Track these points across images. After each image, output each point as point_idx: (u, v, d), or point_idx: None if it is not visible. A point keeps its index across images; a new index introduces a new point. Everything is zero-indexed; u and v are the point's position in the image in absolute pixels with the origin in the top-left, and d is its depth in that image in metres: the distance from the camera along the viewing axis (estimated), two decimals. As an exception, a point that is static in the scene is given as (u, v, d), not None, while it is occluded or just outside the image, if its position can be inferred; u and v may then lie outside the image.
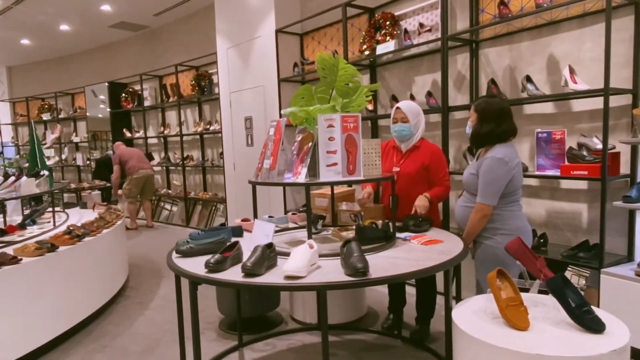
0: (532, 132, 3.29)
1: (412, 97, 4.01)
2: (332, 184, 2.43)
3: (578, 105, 3.10)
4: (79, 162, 9.47)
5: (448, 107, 3.54)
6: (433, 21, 3.89)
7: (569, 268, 2.88)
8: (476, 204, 2.24)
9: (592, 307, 1.63)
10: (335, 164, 2.10)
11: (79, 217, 4.39)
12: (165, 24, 7.77)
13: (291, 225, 2.79)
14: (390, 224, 2.30)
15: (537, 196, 3.33)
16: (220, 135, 6.48)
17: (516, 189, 2.29)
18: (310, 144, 2.25)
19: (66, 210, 4.93)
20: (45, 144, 9.62)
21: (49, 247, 3.01)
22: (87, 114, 9.01)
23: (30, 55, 9.79)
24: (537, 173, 2.99)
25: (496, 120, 2.27)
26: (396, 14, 4.15)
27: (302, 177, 2.16)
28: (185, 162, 7.32)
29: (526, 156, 3.36)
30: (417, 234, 2.42)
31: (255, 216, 2.41)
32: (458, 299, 3.43)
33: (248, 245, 2.15)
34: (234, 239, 2.36)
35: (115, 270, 4.02)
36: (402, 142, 2.75)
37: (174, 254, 2.23)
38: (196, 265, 2.01)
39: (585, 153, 2.81)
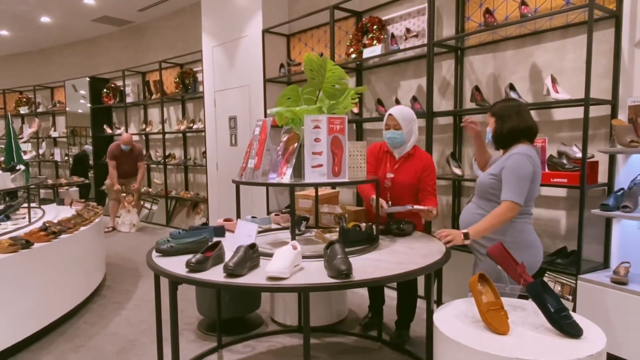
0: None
1: (397, 102, 4.04)
2: (317, 185, 2.42)
3: (559, 114, 3.16)
4: (57, 157, 9.27)
5: (432, 113, 3.57)
6: (420, 27, 3.93)
7: (546, 274, 2.93)
8: (502, 202, 2.09)
9: (570, 312, 1.66)
10: (321, 165, 2.09)
11: (55, 213, 4.28)
12: (150, 20, 7.67)
13: (274, 226, 2.77)
14: (373, 226, 2.30)
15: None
16: (203, 134, 6.42)
17: (532, 196, 2.20)
18: (295, 144, 2.24)
19: (42, 206, 4.80)
20: (22, 138, 9.38)
21: (23, 243, 2.93)
22: (67, 108, 8.82)
23: (9, 46, 9.54)
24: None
25: (516, 117, 2.22)
26: (383, 18, 4.17)
27: (286, 177, 2.14)
28: (167, 160, 7.23)
29: None
30: (401, 236, 2.42)
31: (238, 216, 2.39)
32: (439, 302, 3.46)
33: (230, 245, 2.12)
34: (216, 239, 2.32)
35: (91, 269, 3.94)
36: (394, 149, 2.70)
37: (154, 253, 2.19)
38: (176, 265, 1.97)
39: (565, 161, 2.86)
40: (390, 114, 2.61)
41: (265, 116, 4.74)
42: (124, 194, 6.66)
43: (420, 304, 3.65)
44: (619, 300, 2.50)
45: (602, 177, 2.91)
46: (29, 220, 3.85)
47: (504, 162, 2.20)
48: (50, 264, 3.15)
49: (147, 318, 3.48)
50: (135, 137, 8.15)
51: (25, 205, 4.08)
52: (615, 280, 2.55)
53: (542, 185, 2.85)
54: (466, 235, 2.11)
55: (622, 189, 2.70)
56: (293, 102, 2.37)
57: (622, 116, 2.75)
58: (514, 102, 2.29)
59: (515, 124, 2.21)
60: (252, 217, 2.74)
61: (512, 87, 3.22)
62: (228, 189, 5.58)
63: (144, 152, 7.89)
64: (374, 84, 4.38)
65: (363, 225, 2.30)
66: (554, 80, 2.98)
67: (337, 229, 2.35)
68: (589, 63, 2.61)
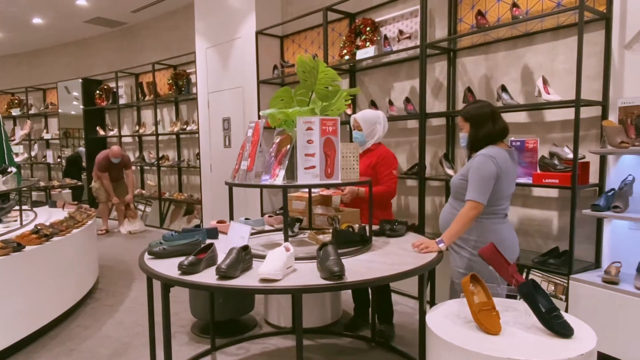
0: (506, 140, 3.35)
1: (390, 103, 4.05)
2: (309, 187, 2.42)
3: (550, 115, 3.18)
4: (50, 159, 9.20)
5: (425, 114, 3.59)
6: (412, 29, 3.95)
7: (536, 273, 2.94)
8: (466, 201, 2.17)
9: (562, 312, 1.67)
10: (314, 166, 2.09)
11: (47, 216, 4.25)
12: (143, 21, 7.64)
13: (267, 227, 2.77)
14: (366, 227, 2.30)
15: (510, 203, 3.40)
16: (197, 135, 6.40)
17: (500, 196, 2.22)
18: (288, 146, 2.23)
19: (34, 208, 4.77)
20: (13, 140, 9.31)
21: (14, 246, 2.91)
22: (59, 110, 8.77)
23: (0, 48, 9.47)
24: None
25: (490, 121, 2.26)
26: (376, 20, 4.18)
27: (279, 179, 2.13)
28: (160, 162, 7.20)
29: None
30: (394, 237, 2.43)
31: (231, 218, 2.38)
32: (432, 303, 3.47)
33: (223, 247, 2.11)
34: (208, 241, 2.31)
35: (84, 272, 3.91)
36: (360, 147, 2.89)
37: (146, 256, 2.18)
38: (169, 267, 1.97)
39: (556, 162, 2.88)
40: (354, 117, 2.95)
41: (259, 118, 4.74)
42: (117, 201, 6.65)
43: (414, 304, 3.66)
44: (610, 300, 2.52)
45: (593, 178, 2.93)
46: (21, 223, 3.82)
47: (470, 162, 2.25)
48: (42, 267, 3.13)
49: (140, 321, 3.47)
50: (129, 139, 8.11)
51: (17, 207, 4.05)
52: (607, 280, 2.57)
53: (534, 185, 2.89)
54: (440, 242, 2.16)
55: (613, 189, 2.72)
56: (286, 104, 2.37)
57: (613, 117, 2.77)
58: (486, 106, 2.29)
59: (491, 129, 2.24)
60: (246, 218, 2.74)
61: (504, 88, 3.24)
62: (222, 190, 5.56)
63: (138, 154, 7.86)
64: (367, 85, 4.39)
65: (356, 226, 2.30)
66: (545, 82, 3.00)
67: (330, 231, 2.35)
68: (579, 65, 2.63)
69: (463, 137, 2.35)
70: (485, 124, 2.25)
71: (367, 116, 2.95)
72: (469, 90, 3.45)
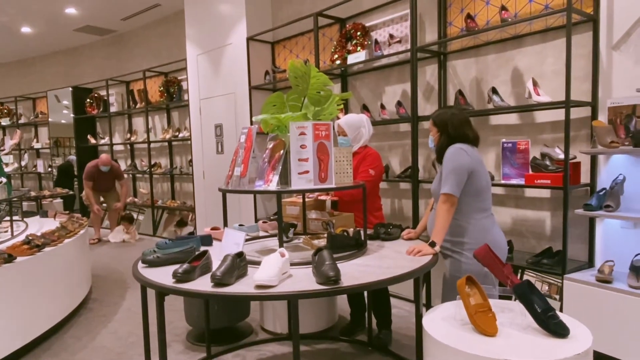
0: (497, 142, 3.38)
1: (382, 107, 4.07)
2: (303, 192, 2.42)
3: (541, 116, 3.21)
4: (40, 169, 9.12)
5: (417, 117, 3.60)
6: (403, 33, 3.97)
7: (530, 273, 2.96)
8: (440, 195, 2.17)
9: (557, 312, 1.67)
10: (307, 171, 2.09)
11: (39, 226, 4.21)
12: (134, 29, 7.62)
13: (262, 233, 2.76)
14: (361, 231, 2.30)
15: (502, 204, 3.42)
16: (189, 142, 6.38)
17: (481, 189, 2.21)
18: (281, 151, 2.23)
19: (25, 219, 4.72)
20: (3, 150, 9.21)
21: (5, 257, 2.87)
22: (50, 119, 8.70)
23: (-11, 57, 9.41)
24: (502, 182, 3.07)
25: (458, 130, 2.25)
26: (367, 24, 4.21)
27: (273, 184, 2.13)
28: (152, 169, 7.16)
29: (492, 165, 3.45)
30: (388, 240, 2.43)
31: (225, 224, 2.37)
32: (428, 306, 3.47)
33: (218, 254, 2.10)
34: (203, 248, 2.29)
35: (77, 282, 3.87)
36: None
37: (140, 264, 2.16)
38: (163, 276, 1.95)
39: (548, 163, 2.91)
40: (338, 123, 2.92)
41: (251, 123, 4.74)
42: (106, 210, 6.60)
43: (410, 308, 3.67)
44: (604, 299, 2.53)
45: (585, 178, 2.96)
46: (12, 234, 3.77)
47: (444, 165, 2.24)
48: (34, 278, 3.09)
49: (135, 330, 3.43)
50: (120, 147, 8.06)
51: (8, 218, 4.00)
52: (600, 279, 2.59)
53: (526, 186, 2.91)
54: (432, 244, 2.15)
55: (604, 188, 2.75)
56: (278, 109, 2.37)
57: (602, 117, 2.80)
58: (455, 114, 2.28)
59: (456, 137, 2.23)
60: (240, 225, 2.72)
61: (494, 90, 3.27)
62: (215, 197, 5.53)
63: (130, 162, 7.81)
64: (359, 89, 4.41)
65: (351, 230, 2.30)
66: (535, 84, 3.03)
67: (325, 235, 2.35)
68: (568, 66, 2.66)
69: (431, 139, 2.35)
70: (452, 132, 2.24)
71: (350, 121, 2.93)
72: (460, 93, 3.48)
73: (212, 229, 2.67)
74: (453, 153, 2.19)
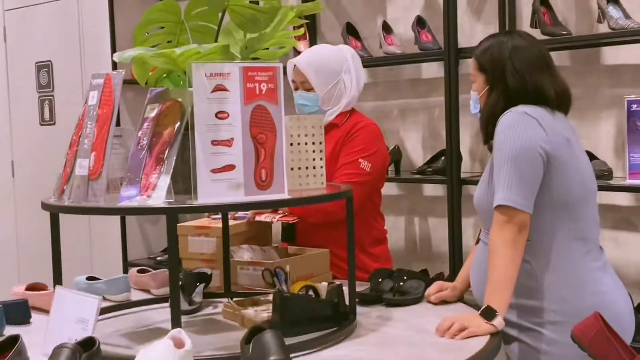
0: (617, 99, 2.17)
1: (385, 29, 2.69)
2: (223, 209, 1.56)
3: None
4: None
5: (458, 50, 2.33)
6: None
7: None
8: (495, 213, 1.37)
9: None
10: (231, 167, 1.35)
11: None
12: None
13: (138, 295, 1.88)
14: (344, 288, 1.43)
15: (630, 227, 2.22)
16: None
17: (576, 198, 1.38)
18: (176, 125, 1.39)
19: None
20: None
21: None
22: None
23: None
24: (629, 182, 1.90)
25: (524, 78, 1.41)
26: None
27: (159, 193, 1.34)
28: None
29: (606, 149, 2.22)
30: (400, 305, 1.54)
31: (58, 280, 1.50)
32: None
33: (42, 343, 1.38)
34: (9, 330, 1.54)
35: None
36: None
37: None
38: None
39: None
40: (294, 65, 1.95)
41: (113, 66, 2.92)
42: None
43: None
44: None
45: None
46: None
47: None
48: None
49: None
50: None
51: None
52: None
53: None
54: (488, 313, 1.29)
55: None
56: (169, 35, 1.52)
57: None
58: (528, 45, 1.48)
59: (533, 90, 1.42)
60: (90, 278, 1.84)
61: None
62: (37, 218, 3.27)
63: None
64: None
65: (323, 286, 1.45)
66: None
67: (270, 298, 1.50)
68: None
69: (474, 98, 1.55)
70: (521, 81, 1.42)
71: (320, 59, 1.93)
72: (542, 1, 2.24)
73: (28, 287, 1.80)
74: (511, 124, 1.36)
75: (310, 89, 1.88)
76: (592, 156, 1.69)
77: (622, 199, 2.23)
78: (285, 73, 1.42)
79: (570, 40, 2.17)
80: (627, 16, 2.05)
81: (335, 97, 1.90)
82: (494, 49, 1.42)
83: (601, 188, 1.47)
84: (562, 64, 2.05)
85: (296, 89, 1.93)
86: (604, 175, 2.00)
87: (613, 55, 2.27)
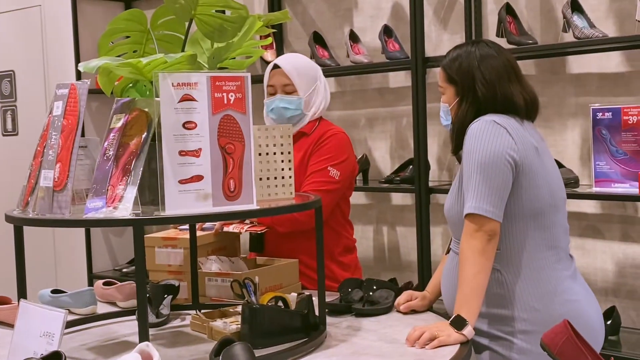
0: (583, 108, 2.16)
1: (353, 39, 2.65)
2: (191, 221, 1.55)
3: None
4: None
5: (425, 59, 2.31)
6: None
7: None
8: (465, 222, 1.34)
9: None
10: (199, 177, 1.32)
11: None
12: None
13: (105, 308, 1.80)
14: (313, 299, 1.40)
15: (596, 235, 2.21)
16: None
17: (545, 205, 1.35)
18: (143, 135, 1.37)
19: None
20: None
21: None
22: None
23: None
24: (595, 190, 1.93)
25: (493, 87, 1.37)
26: None
27: (126, 205, 1.30)
28: None
29: (572, 157, 2.22)
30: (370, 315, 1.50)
31: (22, 294, 1.45)
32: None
33: (7, 355, 1.34)
34: None
35: None
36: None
37: None
38: None
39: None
40: (275, 65, 1.84)
41: (78, 76, 2.88)
42: None
43: None
44: None
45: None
46: None
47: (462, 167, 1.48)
48: None
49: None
50: None
51: None
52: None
53: None
54: (458, 322, 1.26)
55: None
56: (135, 44, 1.48)
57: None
58: (496, 54, 1.44)
59: (502, 99, 1.39)
60: (54, 291, 1.76)
61: (575, 5, 2.08)
62: (0, 229, 3.40)
63: None
64: (306, 4, 2.95)
65: (292, 297, 1.42)
66: None
67: (239, 310, 1.47)
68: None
69: (445, 109, 1.52)
70: (490, 90, 1.39)
71: (300, 61, 1.88)
72: (507, 8, 2.23)
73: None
74: (480, 133, 1.35)
75: (291, 92, 1.80)
76: (558, 164, 1.69)
77: (589, 207, 2.22)
78: (252, 82, 1.35)
79: (536, 50, 2.17)
80: (591, 25, 2.04)
81: (312, 103, 1.84)
82: (463, 59, 1.39)
83: (568, 196, 1.46)
84: (528, 73, 2.07)
85: (273, 93, 1.84)
86: (570, 184, 2.00)
87: (578, 64, 2.27)
